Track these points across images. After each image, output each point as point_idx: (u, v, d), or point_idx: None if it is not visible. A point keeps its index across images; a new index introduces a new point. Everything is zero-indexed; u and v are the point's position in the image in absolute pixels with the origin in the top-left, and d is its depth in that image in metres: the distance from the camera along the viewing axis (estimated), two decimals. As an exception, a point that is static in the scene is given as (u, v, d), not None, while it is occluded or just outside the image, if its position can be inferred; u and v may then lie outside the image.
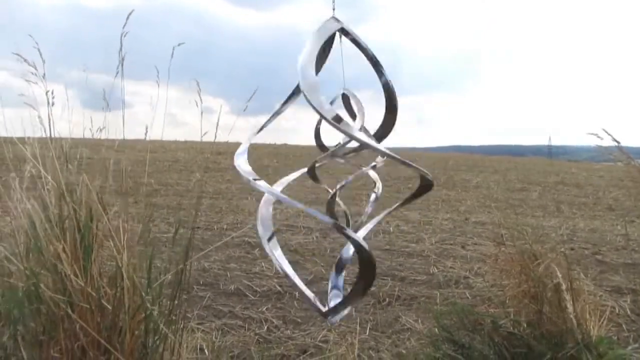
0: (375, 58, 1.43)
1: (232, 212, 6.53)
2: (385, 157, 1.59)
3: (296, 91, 1.47)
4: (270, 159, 13.96)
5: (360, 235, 1.43)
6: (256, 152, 15.43)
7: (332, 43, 1.49)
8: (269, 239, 1.45)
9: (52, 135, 1.92)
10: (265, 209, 1.50)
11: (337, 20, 1.41)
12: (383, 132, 1.50)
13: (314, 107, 1.19)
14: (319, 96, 1.23)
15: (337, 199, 1.70)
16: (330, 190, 1.67)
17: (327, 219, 1.41)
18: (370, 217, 1.63)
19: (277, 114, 1.50)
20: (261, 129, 1.50)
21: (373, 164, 1.65)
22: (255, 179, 1.35)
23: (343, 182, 1.70)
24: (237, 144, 1.54)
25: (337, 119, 1.20)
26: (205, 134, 1.96)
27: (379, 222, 1.59)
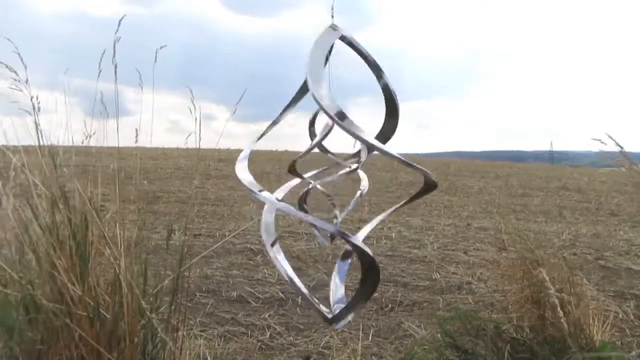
0: (376, 62, 1.42)
1: (234, 218, 6.54)
2: (365, 159, 1.57)
3: (295, 98, 1.47)
4: (272, 166, 13.97)
5: (359, 236, 1.43)
6: (258, 159, 15.44)
7: (330, 51, 1.49)
8: (272, 244, 1.45)
9: (42, 142, 1.90)
10: (268, 216, 1.50)
11: (336, 28, 1.40)
12: (384, 138, 1.47)
13: (320, 105, 1.18)
14: (326, 94, 1.22)
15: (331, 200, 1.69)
16: (311, 182, 1.64)
17: (330, 226, 1.40)
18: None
19: (275, 123, 1.50)
20: (261, 136, 1.50)
21: (355, 165, 1.62)
22: (260, 190, 1.35)
23: (320, 181, 1.67)
24: (238, 151, 1.55)
25: (341, 116, 1.19)
26: (189, 135, 1.97)
27: (382, 221, 1.58)
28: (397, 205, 1.61)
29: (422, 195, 1.47)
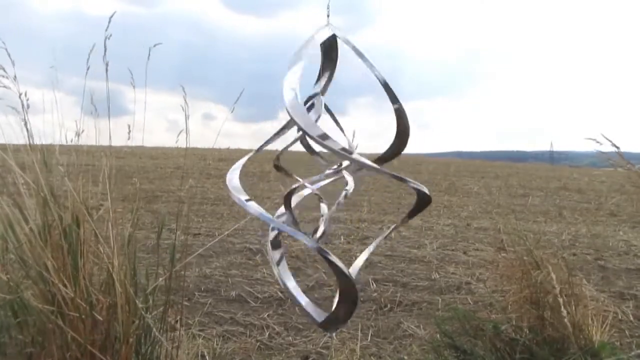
0: (386, 82, 1.35)
1: (233, 218, 6.53)
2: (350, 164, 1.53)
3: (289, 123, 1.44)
4: (272, 165, 13.94)
5: (357, 264, 1.38)
6: (258, 158, 15.43)
7: (336, 49, 1.47)
8: (278, 262, 1.42)
9: (32, 139, 1.88)
10: (272, 238, 1.47)
11: (333, 30, 1.38)
12: (391, 154, 1.43)
13: (300, 127, 1.18)
14: (305, 114, 1.21)
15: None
16: (299, 180, 1.62)
17: (312, 242, 1.33)
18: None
19: (277, 135, 1.48)
20: (258, 149, 1.49)
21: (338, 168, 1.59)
22: (246, 200, 1.31)
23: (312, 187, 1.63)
24: (238, 150, 1.54)
25: (324, 137, 1.17)
26: (180, 132, 1.97)
27: (379, 228, 1.57)
28: (391, 229, 1.59)
29: (415, 214, 1.41)
